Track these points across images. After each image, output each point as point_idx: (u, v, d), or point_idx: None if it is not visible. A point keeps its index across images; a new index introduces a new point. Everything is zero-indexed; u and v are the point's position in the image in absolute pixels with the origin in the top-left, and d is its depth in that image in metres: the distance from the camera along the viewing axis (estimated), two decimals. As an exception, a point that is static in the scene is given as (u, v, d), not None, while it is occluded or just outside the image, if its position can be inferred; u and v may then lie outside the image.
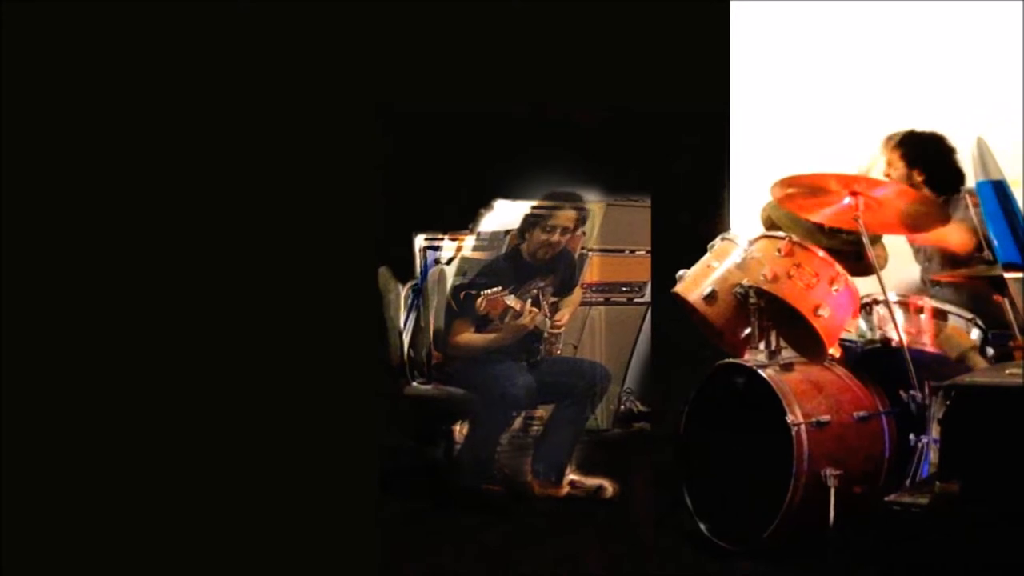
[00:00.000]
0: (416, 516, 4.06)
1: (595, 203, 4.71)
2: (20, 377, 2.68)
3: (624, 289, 4.92)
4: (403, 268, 4.57)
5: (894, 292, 3.72)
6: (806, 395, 3.51)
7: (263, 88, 2.90)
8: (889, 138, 4.12)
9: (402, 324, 4.57)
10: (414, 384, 4.56)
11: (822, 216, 3.77)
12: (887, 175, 4.06)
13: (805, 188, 3.66)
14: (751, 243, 3.73)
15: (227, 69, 2.87)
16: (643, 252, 4.84)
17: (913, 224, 3.75)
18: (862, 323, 3.76)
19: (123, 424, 2.75)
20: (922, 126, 4.13)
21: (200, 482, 2.79)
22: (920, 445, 3.43)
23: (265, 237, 2.89)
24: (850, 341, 3.80)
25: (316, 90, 2.96)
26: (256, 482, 2.84)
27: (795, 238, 3.64)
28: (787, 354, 3.71)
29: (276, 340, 2.88)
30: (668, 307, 4.03)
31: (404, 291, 4.58)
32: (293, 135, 2.93)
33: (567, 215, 4.52)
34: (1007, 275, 3.38)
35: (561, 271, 4.58)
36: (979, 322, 3.65)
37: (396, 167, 3.71)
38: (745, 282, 3.64)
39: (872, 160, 4.10)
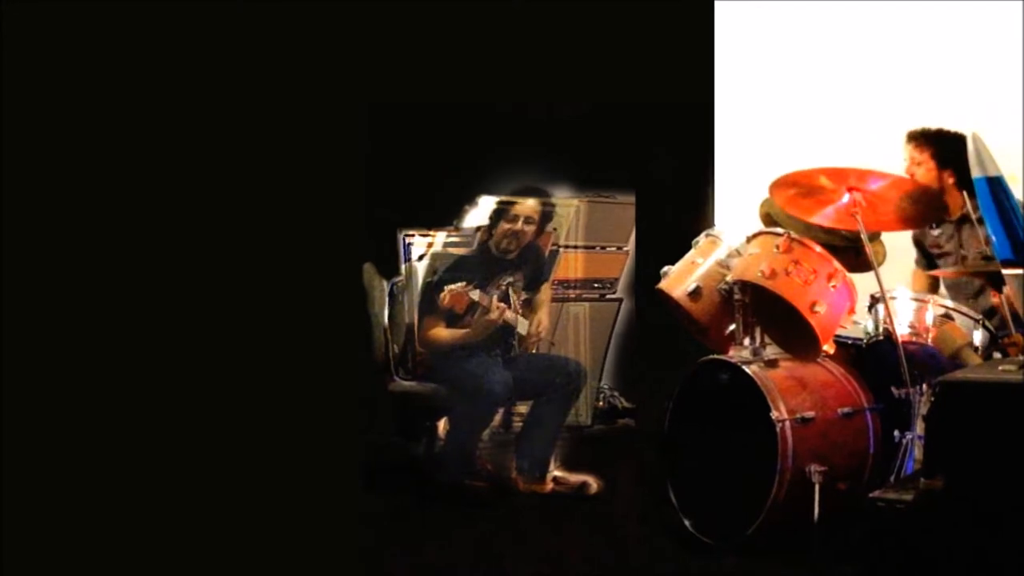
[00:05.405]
0: (401, 512, 4.05)
1: (570, 199, 4.70)
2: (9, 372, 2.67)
3: (596, 286, 4.93)
4: (389, 265, 4.56)
5: (909, 291, 3.73)
6: (790, 391, 3.52)
7: (248, 85, 2.88)
8: (912, 134, 4.07)
9: (386, 320, 4.56)
10: (397, 380, 4.55)
11: (822, 217, 3.71)
12: (910, 172, 4.04)
13: (801, 188, 3.64)
14: (749, 239, 3.71)
15: (213, 66, 2.85)
16: (614, 248, 4.84)
17: (911, 219, 3.74)
18: (868, 321, 3.76)
19: (107, 419, 2.73)
20: (917, 123, 4.11)
21: (183, 479, 2.77)
22: (905, 441, 3.45)
23: (251, 233, 2.87)
24: (855, 338, 3.81)
25: (303, 87, 2.94)
26: (240, 477, 2.82)
27: (793, 234, 3.62)
28: (772, 350, 3.72)
29: (261, 336, 2.86)
30: (652, 303, 4.03)
31: (388, 287, 4.58)
32: (279, 132, 2.91)
33: (530, 205, 4.52)
34: (1005, 272, 3.36)
35: (529, 266, 4.57)
36: (987, 324, 3.63)
37: (382, 164, 3.71)
38: (729, 278, 3.65)
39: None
